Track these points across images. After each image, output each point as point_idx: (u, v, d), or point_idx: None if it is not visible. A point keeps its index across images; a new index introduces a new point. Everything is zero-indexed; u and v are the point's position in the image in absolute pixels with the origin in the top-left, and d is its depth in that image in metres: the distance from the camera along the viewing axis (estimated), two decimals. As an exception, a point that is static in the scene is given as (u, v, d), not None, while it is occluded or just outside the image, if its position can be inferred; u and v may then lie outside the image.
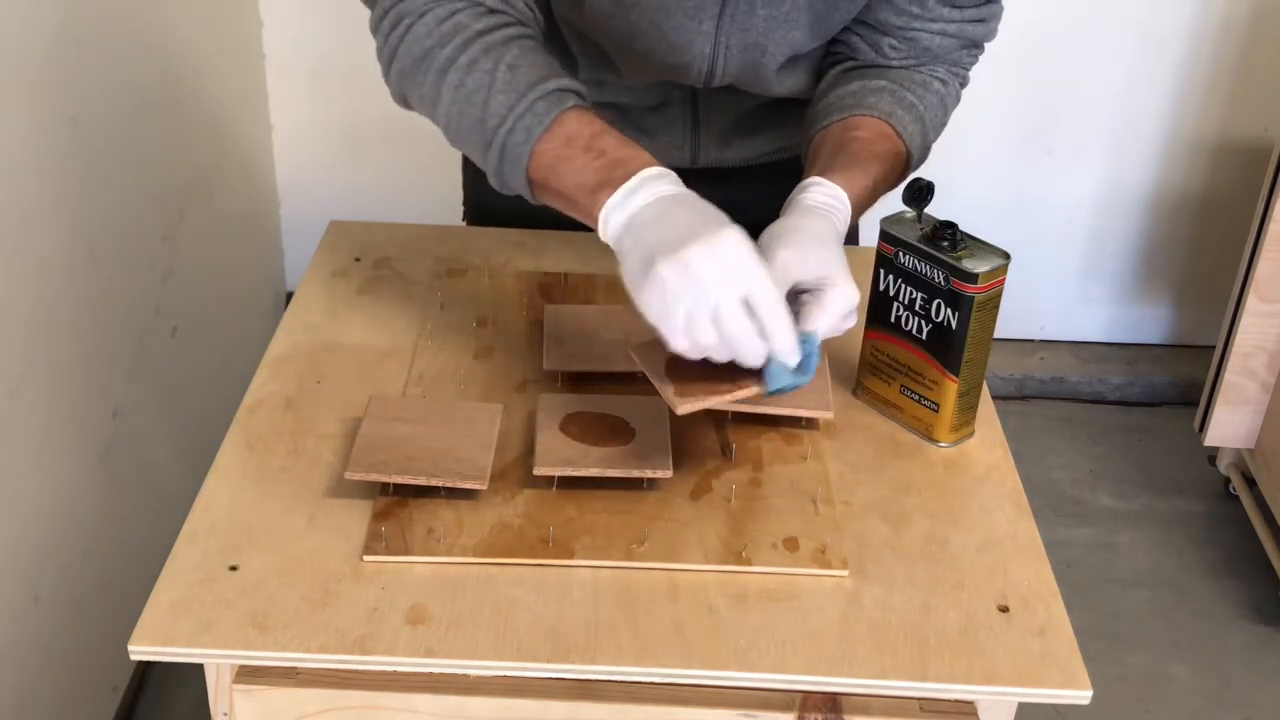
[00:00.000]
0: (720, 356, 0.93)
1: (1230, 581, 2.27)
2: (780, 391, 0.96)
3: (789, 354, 0.94)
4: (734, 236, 0.91)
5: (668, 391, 0.97)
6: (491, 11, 1.04)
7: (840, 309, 0.98)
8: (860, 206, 1.10)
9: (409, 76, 1.05)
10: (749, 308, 0.91)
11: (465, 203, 1.47)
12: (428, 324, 1.23)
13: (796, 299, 0.99)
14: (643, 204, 0.95)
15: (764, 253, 0.99)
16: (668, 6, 1.13)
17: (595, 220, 0.97)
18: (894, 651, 0.90)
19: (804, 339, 0.95)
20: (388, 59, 1.06)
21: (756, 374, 0.96)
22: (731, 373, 0.96)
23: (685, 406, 0.96)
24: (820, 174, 1.08)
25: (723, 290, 0.90)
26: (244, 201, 2.45)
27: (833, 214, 1.05)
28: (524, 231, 1.36)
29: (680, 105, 1.28)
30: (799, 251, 0.99)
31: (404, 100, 1.09)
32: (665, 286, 0.91)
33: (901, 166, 1.16)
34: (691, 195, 0.96)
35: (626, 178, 0.96)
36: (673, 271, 0.90)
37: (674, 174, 0.98)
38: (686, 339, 0.92)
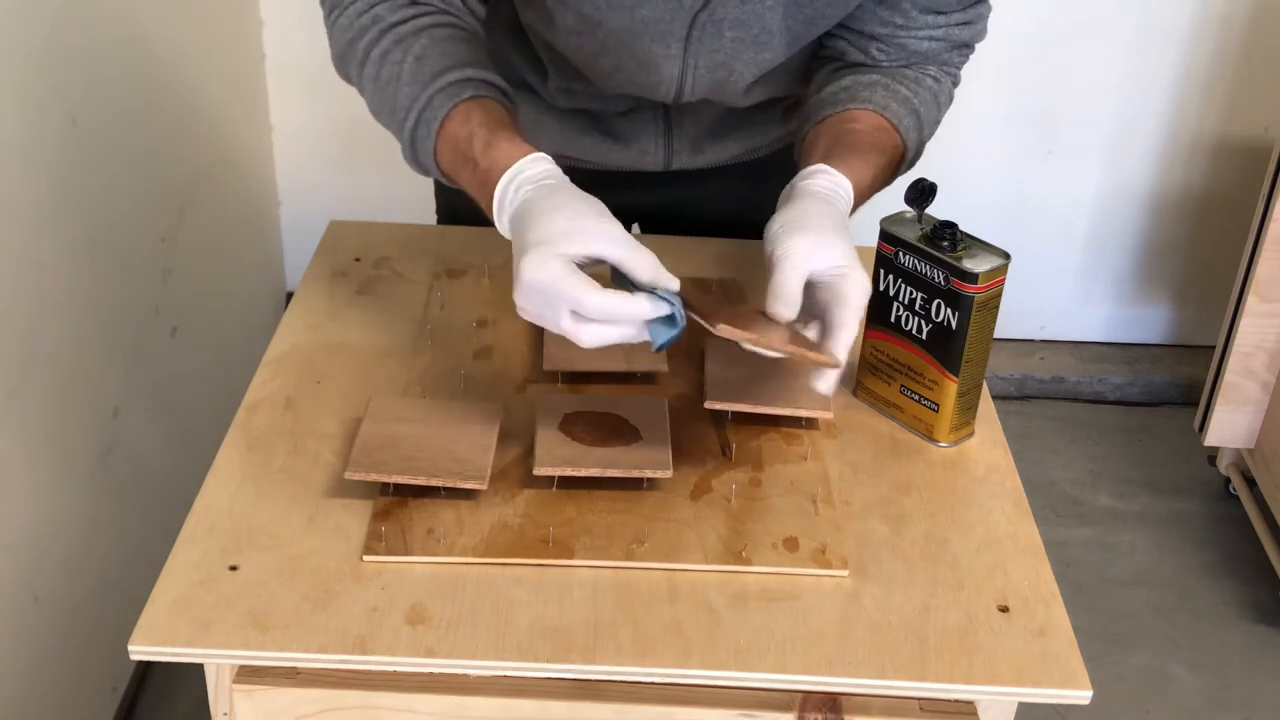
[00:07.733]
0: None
1: (1230, 581, 2.27)
2: (666, 346, 0.95)
3: (651, 315, 0.93)
4: (531, 268, 0.91)
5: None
6: (413, 3, 1.08)
7: (859, 298, 0.99)
8: (861, 197, 1.10)
9: (342, 63, 1.11)
10: (582, 317, 0.92)
11: (438, 208, 1.47)
12: (428, 324, 1.23)
13: (809, 289, 0.99)
14: (507, 228, 0.98)
15: (775, 243, 0.99)
16: (634, 30, 1.12)
17: None
18: (894, 651, 0.90)
19: (662, 294, 0.93)
20: (329, 41, 1.12)
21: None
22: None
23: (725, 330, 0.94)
24: (822, 162, 1.08)
25: (553, 316, 0.92)
26: (243, 202, 2.45)
27: (837, 200, 1.05)
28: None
29: (652, 111, 1.28)
30: (812, 237, 0.99)
31: (347, 78, 1.13)
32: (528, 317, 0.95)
33: (898, 159, 1.16)
34: (532, 199, 0.96)
35: (493, 193, 0.98)
36: (522, 305, 0.94)
37: (527, 160, 0.98)
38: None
